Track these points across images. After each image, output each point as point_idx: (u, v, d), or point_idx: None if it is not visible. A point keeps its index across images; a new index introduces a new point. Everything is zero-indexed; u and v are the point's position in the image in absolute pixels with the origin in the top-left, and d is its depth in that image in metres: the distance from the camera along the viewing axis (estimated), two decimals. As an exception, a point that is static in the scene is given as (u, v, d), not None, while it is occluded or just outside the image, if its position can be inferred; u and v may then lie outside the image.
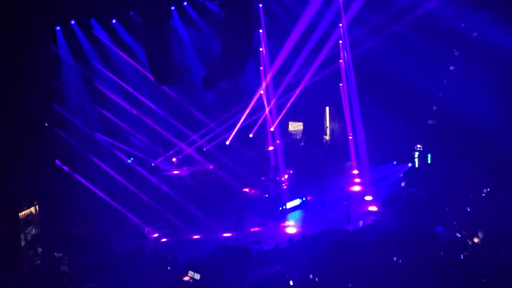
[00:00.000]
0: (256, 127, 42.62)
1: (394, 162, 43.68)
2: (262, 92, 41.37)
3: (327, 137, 50.11)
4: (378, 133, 43.07)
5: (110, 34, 37.01)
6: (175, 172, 40.37)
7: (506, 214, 31.69)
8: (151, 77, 34.79)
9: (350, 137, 43.92)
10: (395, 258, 27.30)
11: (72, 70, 36.08)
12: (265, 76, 41.65)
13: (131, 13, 36.13)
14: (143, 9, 33.57)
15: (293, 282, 26.75)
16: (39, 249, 31.30)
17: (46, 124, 33.77)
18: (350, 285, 25.80)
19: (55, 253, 31.02)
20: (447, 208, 34.20)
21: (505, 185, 34.81)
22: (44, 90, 32.71)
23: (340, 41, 41.75)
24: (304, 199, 39.22)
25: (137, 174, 38.20)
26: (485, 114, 38.29)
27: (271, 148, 43.11)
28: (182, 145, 40.89)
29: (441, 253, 27.65)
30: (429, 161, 42.59)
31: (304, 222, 36.76)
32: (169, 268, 30.01)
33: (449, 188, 36.26)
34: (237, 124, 41.18)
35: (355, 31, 41.02)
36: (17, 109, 28.90)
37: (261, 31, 41.06)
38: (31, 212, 31.91)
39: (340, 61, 42.71)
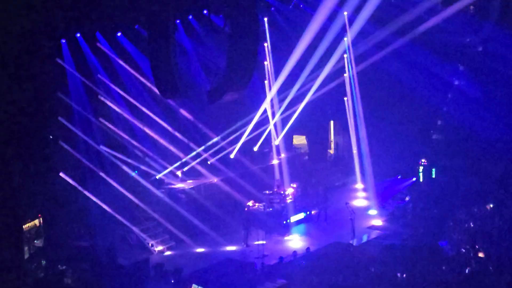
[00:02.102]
0: (260, 141, 42.62)
1: (399, 177, 43.64)
2: (267, 105, 41.37)
3: (332, 151, 50.11)
4: (383, 147, 43.06)
5: (115, 47, 37.08)
6: (180, 185, 40.33)
7: (511, 228, 31.63)
8: (156, 90, 35.03)
9: (355, 151, 43.87)
10: (398, 274, 27.24)
11: (77, 83, 36.14)
12: (270, 89, 41.68)
13: (136, 27, 36.24)
14: (148, 23, 33.79)
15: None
16: (43, 262, 31.30)
17: (51, 137, 33.81)
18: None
19: (59, 266, 30.99)
20: (451, 223, 34.11)
21: (510, 200, 34.75)
22: (49, 103, 32.79)
23: (345, 55, 41.79)
24: (308, 213, 39.10)
25: (141, 187, 38.18)
26: (489, 129, 38.32)
27: (275, 161, 43.08)
28: (186, 158, 40.87)
29: (446, 268, 27.59)
30: (433, 176, 42.52)
31: (308, 236, 36.66)
32: (172, 281, 29.99)
33: (454, 202, 36.18)
34: (242, 137, 41.16)
35: (360, 45, 41.09)
36: (22, 121, 28.93)
37: (266, 44, 41.14)
38: (35, 224, 31.97)
39: (345, 75, 42.74)
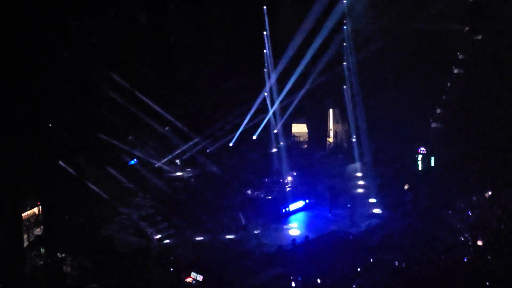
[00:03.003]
0: (259, 129, 42.60)
1: (398, 165, 43.59)
2: (266, 94, 41.36)
3: (331, 139, 50.12)
4: (382, 135, 43.05)
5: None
6: (179, 173, 40.39)
7: (509, 217, 31.72)
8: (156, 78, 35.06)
9: (354, 139, 43.88)
10: (396, 263, 27.33)
11: (76, 70, 36.06)
12: (269, 78, 41.64)
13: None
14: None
15: (295, 284, 26.77)
16: (42, 250, 31.35)
17: (50, 125, 33.80)
18: (353, 287, 25.85)
19: (58, 254, 31.06)
20: (450, 212, 34.21)
21: (508, 189, 34.81)
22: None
23: (344, 43, 41.77)
24: (307, 201, 39.09)
25: (140, 175, 38.21)
26: (488, 117, 38.35)
27: (274, 150, 43.09)
28: (186, 146, 40.94)
29: (444, 256, 27.68)
30: (432, 164, 42.52)
31: (307, 224, 36.67)
32: (172, 269, 30.03)
33: (453, 191, 36.25)
34: (241, 125, 41.17)
35: (359, 33, 41.07)
36: (22, 109, 28.96)
37: (265, 32, 41.01)
38: (34, 212, 32.00)
39: (344, 63, 42.73)
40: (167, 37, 34.98)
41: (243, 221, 35.81)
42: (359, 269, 27.26)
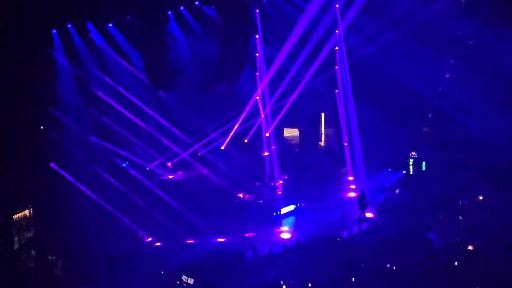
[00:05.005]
0: (251, 133, 42.54)
1: (389, 169, 43.66)
2: (257, 97, 41.32)
3: (322, 143, 50.10)
4: (373, 139, 43.07)
5: (106, 38, 37.00)
6: (170, 176, 40.35)
7: (500, 221, 31.76)
8: (147, 81, 35.06)
9: (345, 143, 43.90)
10: (388, 265, 27.34)
11: (68, 73, 36.06)
12: (261, 81, 41.60)
13: (127, 17, 36.16)
14: (140, 13, 33.84)
15: (286, 288, 26.82)
16: (33, 252, 31.26)
17: (42, 127, 33.73)
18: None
19: (49, 256, 30.99)
20: (441, 216, 34.25)
21: (499, 193, 34.86)
22: (40, 93, 32.71)
23: (336, 48, 41.77)
24: (298, 204, 39.14)
25: (132, 178, 38.17)
26: (480, 122, 38.38)
27: (266, 153, 43.06)
28: (177, 149, 40.90)
29: (435, 261, 27.71)
30: (423, 168, 42.59)
31: (298, 228, 36.69)
32: (162, 272, 30.00)
33: (443, 195, 36.28)
34: (233, 129, 41.14)
35: (352, 37, 41.08)
36: (13, 111, 28.88)
37: (257, 36, 41.00)
38: (25, 214, 31.89)
39: (336, 67, 42.74)
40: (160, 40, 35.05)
41: (234, 225, 35.82)
42: (350, 273, 27.28)
